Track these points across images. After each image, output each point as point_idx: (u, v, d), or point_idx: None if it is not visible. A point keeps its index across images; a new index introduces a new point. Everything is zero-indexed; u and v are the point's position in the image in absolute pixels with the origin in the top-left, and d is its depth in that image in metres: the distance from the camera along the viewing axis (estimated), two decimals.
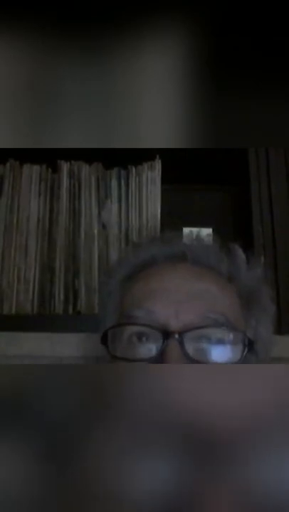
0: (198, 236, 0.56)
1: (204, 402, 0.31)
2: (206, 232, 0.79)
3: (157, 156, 0.78)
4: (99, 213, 0.77)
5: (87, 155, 0.77)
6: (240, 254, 0.51)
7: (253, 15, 0.46)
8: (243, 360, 0.43)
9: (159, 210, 0.77)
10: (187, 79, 0.47)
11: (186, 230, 0.77)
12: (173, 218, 0.79)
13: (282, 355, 0.59)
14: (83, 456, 0.31)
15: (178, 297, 0.45)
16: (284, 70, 0.46)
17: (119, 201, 0.77)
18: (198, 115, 0.47)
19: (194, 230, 0.77)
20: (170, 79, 0.47)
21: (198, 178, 0.83)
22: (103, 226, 0.76)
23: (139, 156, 0.77)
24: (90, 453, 0.31)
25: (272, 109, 0.47)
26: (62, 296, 0.73)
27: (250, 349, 0.44)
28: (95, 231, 0.76)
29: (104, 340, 0.46)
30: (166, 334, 0.42)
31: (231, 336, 0.44)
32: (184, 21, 0.46)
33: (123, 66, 0.47)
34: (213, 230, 0.80)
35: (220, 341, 0.43)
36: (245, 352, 0.44)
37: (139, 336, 0.44)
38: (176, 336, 0.42)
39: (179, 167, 0.79)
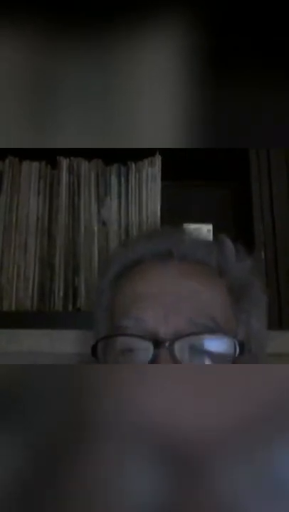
0: (186, 230, 0.56)
1: (182, 410, 0.31)
2: (207, 228, 0.79)
3: (157, 153, 0.78)
4: (98, 210, 0.76)
5: (87, 151, 0.77)
6: (230, 245, 0.50)
7: (253, 14, 0.45)
8: (236, 361, 0.43)
9: (159, 207, 0.77)
10: (187, 78, 0.46)
11: (186, 227, 0.77)
12: (173, 215, 0.79)
13: (282, 350, 0.59)
14: (70, 463, 0.31)
15: (166, 301, 0.44)
16: (285, 69, 0.46)
17: (119, 198, 0.77)
18: (198, 115, 0.47)
19: (194, 226, 0.77)
20: (170, 77, 0.46)
21: (198, 175, 0.83)
22: (103, 223, 0.76)
23: (139, 153, 0.77)
24: (74, 459, 0.31)
25: (274, 108, 0.47)
26: (61, 293, 0.72)
27: (242, 351, 0.44)
28: (95, 228, 0.76)
29: (94, 352, 0.45)
30: (157, 343, 0.42)
31: (221, 340, 0.44)
32: (183, 19, 0.46)
33: (123, 64, 0.46)
34: (213, 227, 0.79)
35: (210, 347, 0.43)
36: (236, 355, 0.43)
37: (130, 346, 0.44)
38: (167, 344, 0.42)
39: (179, 163, 0.79)
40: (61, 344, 0.65)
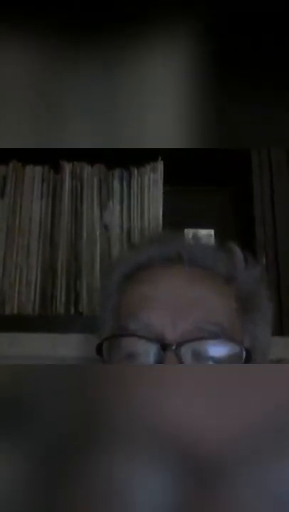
0: (195, 236, 0.55)
1: (192, 412, 0.31)
2: (208, 233, 0.79)
3: (159, 158, 0.78)
4: (101, 214, 0.77)
5: (90, 156, 0.77)
6: (239, 253, 0.50)
7: (255, 17, 0.46)
8: None
9: (161, 212, 0.77)
10: (189, 79, 0.47)
11: (187, 231, 0.77)
12: (175, 219, 0.79)
13: (284, 356, 0.59)
14: (78, 461, 0.31)
15: (173, 305, 0.44)
16: (286, 71, 0.46)
17: (122, 202, 0.77)
18: (200, 115, 0.47)
19: (196, 231, 0.77)
20: (172, 79, 0.47)
21: (200, 180, 0.83)
22: (105, 227, 0.76)
23: (141, 157, 0.77)
24: (83, 459, 0.31)
25: (275, 109, 0.47)
26: (64, 297, 0.73)
27: (248, 359, 0.44)
28: (97, 232, 0.76)
29: (99, 351, 0.45)
30: (163, 345, 0.42)
31: (228, 346, 0.44)
32: (185, 22, 0.46)
33: (126, 67, 0.47)
34: (215, 231, 0.80)
35: (216, 352, 0.43)
36: (243, 362, 0.43)
37: (135, 350, 0.44)
38: (173, 346, 0.42)
39: (181, 168, 0.79)
40: (63, 348, 0.65)
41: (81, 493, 0.31)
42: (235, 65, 0.46)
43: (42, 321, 0.70)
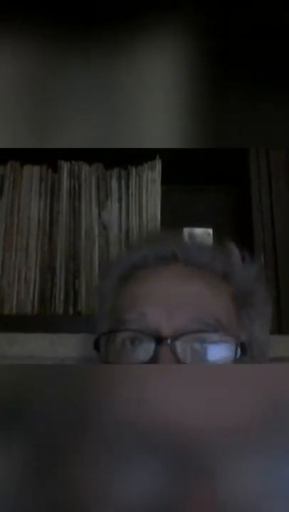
0: (191, 235, 0.56)
1: (183, 407, 0.31)
2: (206, 232, 0.79)
3: (157, 157, 0.78)
4: (99, 213, 0.77)
5: (88, 155, 0.77)
6: (235, 251, 0.50)
7: (253, 16, 0.46)
8: (236, 362, 0.43)
9: (159, 211, 0.77)
10: (187, 79, 0.47)
11: (186, 230, 0.77)
12: (173, 218, 0.79)
13: (282, 354, 0.59)
14: (71, 461, 0.31)
15: (169, 301, 0.44)
16: (284, 70, 0.47)
17: (120, 201, 0.77)
18: (198, 115, 0.47)
19: (194, 230, 0.77)
20: (170, 79, 0.47)
21: (198, 178, 0.83)
22: (103, 226, 0.76)
23: (139, 157, 0.77)
24: (76, 458, 0.31)
25: (273, 109, 0.47)
26: (62, 297, 0.73)
27: (244, 352, 0.44)
28: (96, 231, 0.76)
29: (96, 346, 0.46)
30: (158, 339, 0.42)
31: (223, 340, 0.44)
32: (183, 22, 0.46)
33: (123, 66, 0.47)
34: (213, 230, 0.80)
35: (211, 346, 0.43)
36: (238, 356, 0.43)
37: (131, 342, 0.44)
38: (168, 341, 0.42)
39: (180, 167, 0.79)
40: (62, 347, 0.65)
41: (80, 490, 0.31)
42: (233, 65, 0.46)
43: (41, 321, 0.70)
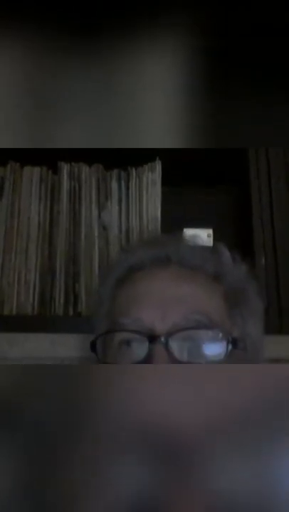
0: (183, 237, 0.57)
1: (170, 404, 0.32)
2: (207, 233, 0.79)
3: (157, 158, 0.78)
4: (99, 215, 0.77)
5: (88, 156, 0.77)
6: (226, 253, 0.52)
7: (253, 16, 0.46)
8: (230, 359, 0.44)
9: (159, 212, 0.77)
10: (187, 79, 0.47)
11: (186, 232, 0.77)
12: (173, 220, 0.79)
13: (282, 355, 0.59)
14: (70, 460, 0.32)
15: (163, 301, 0.46)
16: (284, 71, 0.47)
17: (120, 203, 0.78)
18: (198, 116, 0.47)
19: (194, 231, 0.77)
20: (170, 79, 0.47)
21: (198, 180, 0.83)
22: (103, 227, 0.76)
23: (139, 158, 0.77)
24: (73, 457, 0.32)
25: (273, 109, 0.47)
26: (62, 298, 0.73)
27: (235, 346, 0.45)
28: (96, 232, 0.76)
29: (93, 347, 0.47)
30: (152, 338, 0.43)
31: (215, 334, 0.45)
32: (183, 22, 0.46)
33: (123, 67, 0.47)
34: (213, 231, 0.80)
35: (204, 341, 0.44)
36: (229, 349, 0.44)
37: (127, 342, 0.45)
38: (162, 338, 0.43)
39: (179, 168, 0.79)
40: (62, 348, 0.65)
41: (76, 490, 0.31)
42: (233, 65, 0.47)
43: (41, 322, 0.70)
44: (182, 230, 0.78)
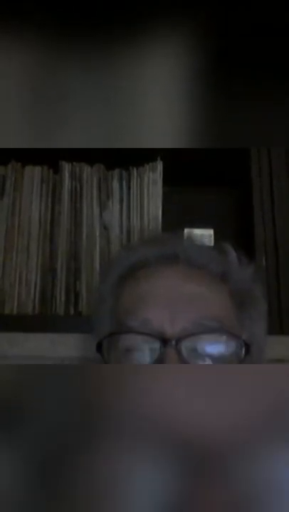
0: (190, 236, 0.56)
1: (192, 408, 0.31)
2: (208, 233, 0.79)
3: (158, 158, 0.78)
4: (100, 214, 0.77)
5: (89, 156, 0.77)
6: (232, 253, 0.51)
7: (254, 16, 0.46)
8: (241, 362, 0.43)
9: (160, 211, 0.77)
10: (189, 79, 0.47)
11: (187, 231, 0.77)
12: (174, 219, 0.79)
13: (283, 356, 0.59)
14: (76, 462, 0.31)
15: (171, 302, 0.45)
16: (285, 70, 0.47)
17: (121, 202, 0.77)
18: (199, 115, 0.47)
19: (195, 231, 0.77)
20: (172, 79, 0.47)
21: (199, 179, 0.83)
22: (105, 227, 0.76)
23: (140, 158, 0.77)
24: (83, 457, 0.31)
25: (274, 108, 0.47)
26: (63, 297, 0.73)
27: (247, 353, 0.44)
28: (97, 232, 0.76)
29: (99, 348, 0.46)
30: (163, 341, 0.42)
31: (227, 340, 0.44)
32: (185, 22, 0.46)
33: (125, 66, 0.47)
34: (214, 231, 0.80)
35: (216, 347, 0.44)
36: (243, 356, 0.44)
37: (136, 345, 0.44)
38: (173, 342, 0.42)
39: (181, 168, 0.79)
40: (63, 348, 0.65)
41: (84, 488, 0.31)
42: (234, 65, 0.46)
43: (42, 321, 0.70)
44: (183, 229, 0.78)
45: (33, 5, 0.45)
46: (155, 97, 0.47)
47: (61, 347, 0.64)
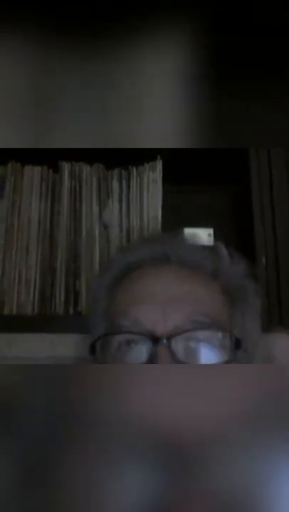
0: (181, 235, 0.57)
1: (170, 406, 0.32)
2: (208, 232, 0.79)
3: (158, 157, 0.78)
4: (100, 214, 0.77)
5: (89, 156, 0.77)
6: (223, 251, 0.51)
7: (254, 15, 0.46)
8: (232, 359, 0.44)
9: (160, 211, 0.77)
10: (188, 79, 0.47)
11: (187, 231, 0.77)
12: (174, 219, 0.79)
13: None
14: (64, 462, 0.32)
15: (163, 301, 0.45)
16: (285, 70, 0.47)
17: (120, 202, 0.77)
18: (199, 115, 0.47)
19: (195, 230, 0.77)
20: (171, 79, 0.47)
21: (199, 179, 0.83)
22: (104, 227, 0.76)
23: (140, 157, 0.77)
24: (68, 459, 0.32)
25: (273, 109, 0.47)
26: (63, 297, 0.73)
27: (238, 347, 0.45)
28: (96, 231, 0.76)
29: (92, 350, 0.46)
30: (155, 339, 0.43)
31: (218, 336, 0.44)
32: (184, 21, 0.46)
33: (124, 66, 0.47)
34: (214, 231, 0.80)
35: (207, 343, 0.44)
36: (233, 350, 0.44)
37: (128, 344, 0.45)
38: (164, 340, 0.42)
39: (180, 167, 0.79)
40: (62, 348, 0.65)
41: (73, 491, 0.31)
42: (234, 65, 0.46)
43: (41, 321, 0.70)
44: (183, 229, 0.78)
45: (32, 5, 0.45)
46: (155, 97, 0.47)
47: (60, 347, 0.64)
